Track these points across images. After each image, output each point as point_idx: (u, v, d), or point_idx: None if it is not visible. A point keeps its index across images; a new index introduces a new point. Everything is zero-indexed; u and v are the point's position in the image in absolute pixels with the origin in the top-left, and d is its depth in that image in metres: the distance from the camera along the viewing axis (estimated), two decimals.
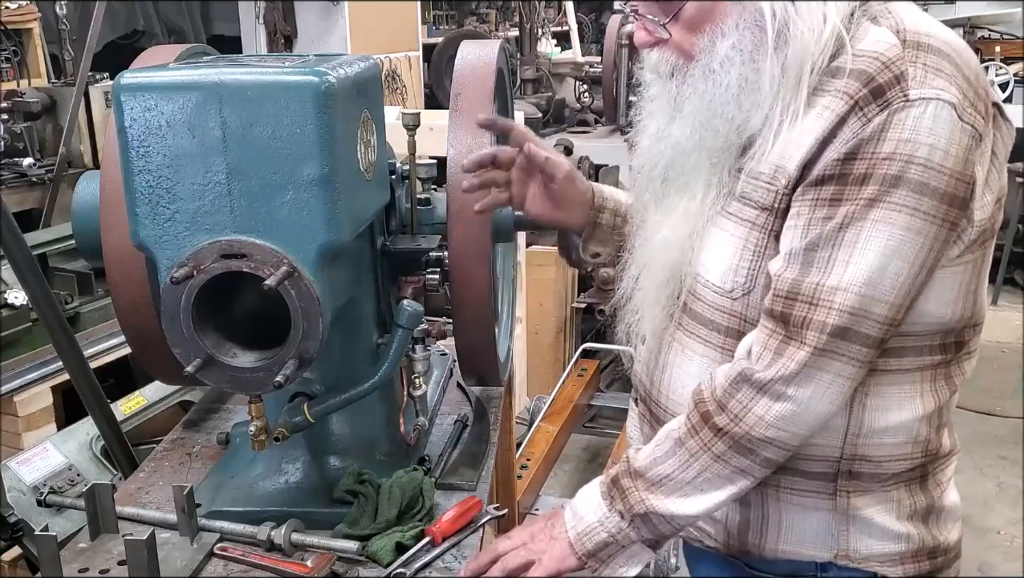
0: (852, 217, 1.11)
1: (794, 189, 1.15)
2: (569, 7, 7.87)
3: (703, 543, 1.37)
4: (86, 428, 2.52)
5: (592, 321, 4.65)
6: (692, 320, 1.29)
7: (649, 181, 1.33)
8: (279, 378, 1.21)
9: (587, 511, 1.27)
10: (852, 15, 1.16)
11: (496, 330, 1.66)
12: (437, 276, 1.57)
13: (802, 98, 1.14)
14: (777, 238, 1.18)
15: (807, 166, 1.14)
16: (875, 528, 1.27)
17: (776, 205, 1.17)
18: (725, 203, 1.22)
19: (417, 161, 1.62)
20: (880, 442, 1.23)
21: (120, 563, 1.33)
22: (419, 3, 6.77)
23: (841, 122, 1.11)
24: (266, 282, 1.16)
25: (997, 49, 6.28)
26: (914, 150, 1.08)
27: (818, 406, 1.15)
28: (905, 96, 1.09)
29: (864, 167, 1.10)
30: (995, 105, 1.17)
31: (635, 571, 1.26)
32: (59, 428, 2.69)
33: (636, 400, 1.46)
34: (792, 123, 1.15)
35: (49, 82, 4.61)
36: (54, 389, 2.76)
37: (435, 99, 6.50)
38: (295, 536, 1.36)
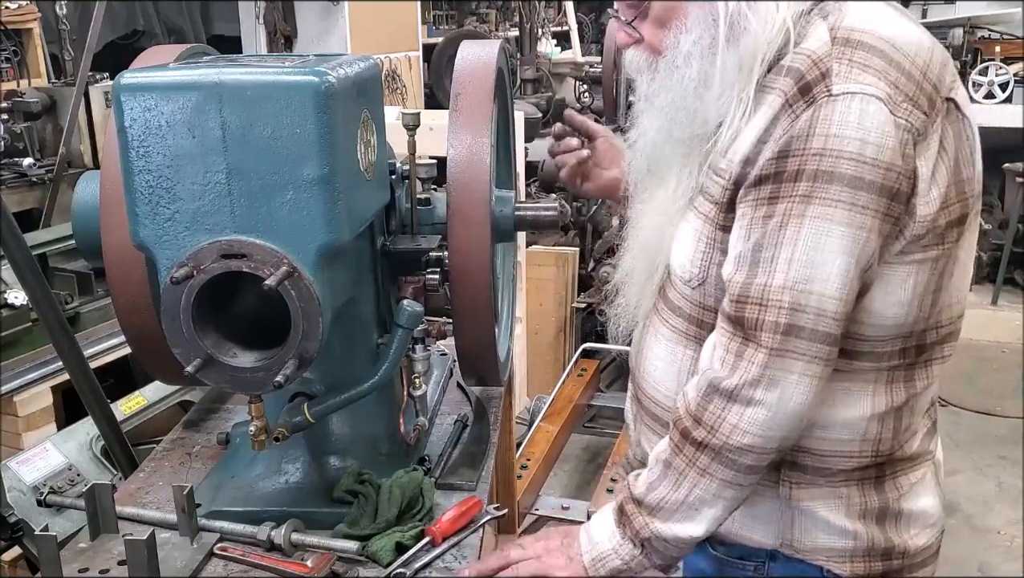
0: (790, 214, 1.12)
1: (736, 184, 1.18)
2: (569, 7, 7.87)
3: None
4: (86, 428, 2.52)
5: (592, 321, 4.65)
6: (665, 306, 1.35)
7: (638, 175, 1.39)
8: (279, 378, 1.21)
9: (602, 537, 1.28)
10: (809, 12, 1.19)
11: (496, 330, 1.66)
12: (437, 276, 1.57)
13: (751, 91, 1.17)
14: (724, 231, 1.21)
15: (747, 163, 1.17)
16: (820, 522, 1.28)
17: (722, 200, 1.21)
18: (693, 196, 1.27)
19: (417, 161, 1.62)
20: (823, 437, 1.25)
21: (120, 563, 1.33)
22: (419, 3, 6.76)
23: (775, 120, 1.14)
24: (266, 282, 1.16)
25: (997, 49, 6.27)
26: (843, 145, 1.09)
27: (789, 406, 1.16)
28: (829, 91, 1.10)
29: (796, 164, 1.12)
30: (949, 100, 1.17)
31: None
32: (59, 428, 2.68)
33: (631, 379, 1.51)
34: (744, 116, 1.18)
35: (49, 82, 4.61)
36: (54, 389, 2.76)
37: (435, 99, 6.50)
38: (295, 536, 1.36)
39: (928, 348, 1.26)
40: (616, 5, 1.32)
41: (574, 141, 1.68)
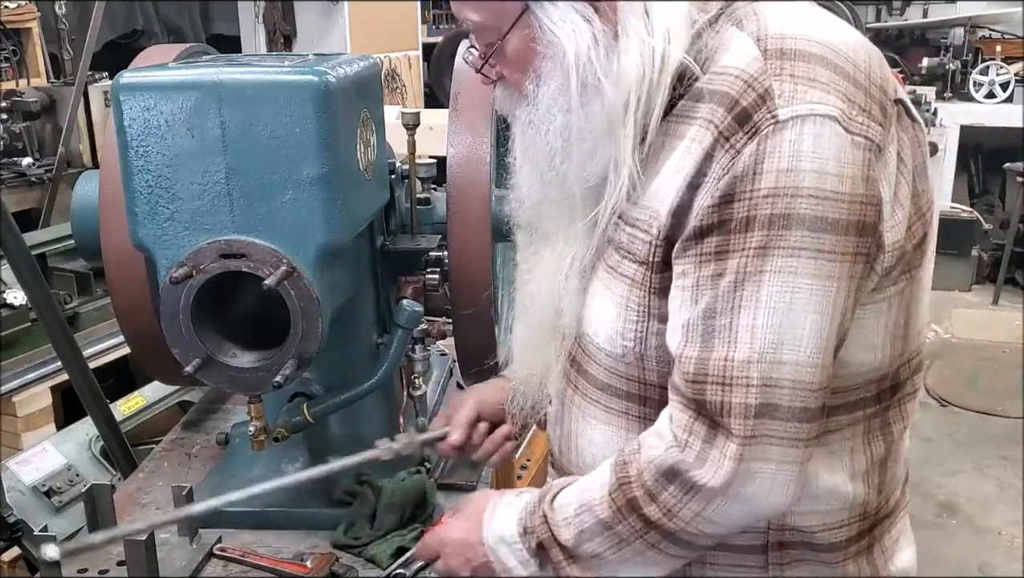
0: (745, 272, 0.95)
1: (668, 239, 1.00)
2: None
3: None
4: (85, 428, 2.52)
5: None
6: (589, 384, 1.14)
7: (518, 217, 1.21)
8: (278, 378, 1.21)
9: (514, 564, 1.12)
10: (716, 19, 1.02)
11: (496, 330, 1.66)
12: (437, 276, 1.57)
13: (632, 141, 1.01)
14: (659, 295, 1.02)
15: (679, 213, 0.99)
16: None
17: (652, 259, 1.02)
18: (604, 254, 1.08)
19: (417, 161, 1.62)
20: (810, 510, 1.07)
21: (120, 563, 1.33)
22: (419, 2, 6.76)
23: (708, 158, 0.96)
24: (265, 282, 1.16)
25: (997, 49, 6.29)
26: (799, 181, 0.92)
27: (768, 501, 0.99)
28: (774, 117, 0.93)
29: (744, 209, 0.94)
30: (898, 103, 1.02)
31: None
32: (58, 428, 2.68)
33: (552, 464, 1.28)
34: (638, 164, 1.02)
35: (48, 82, 4.60)
36: (53, 389, 2.76)
37: (435, 99, 6.49)
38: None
39: (902, 385, 1.12)
40: (471, 45, 1.14)
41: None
